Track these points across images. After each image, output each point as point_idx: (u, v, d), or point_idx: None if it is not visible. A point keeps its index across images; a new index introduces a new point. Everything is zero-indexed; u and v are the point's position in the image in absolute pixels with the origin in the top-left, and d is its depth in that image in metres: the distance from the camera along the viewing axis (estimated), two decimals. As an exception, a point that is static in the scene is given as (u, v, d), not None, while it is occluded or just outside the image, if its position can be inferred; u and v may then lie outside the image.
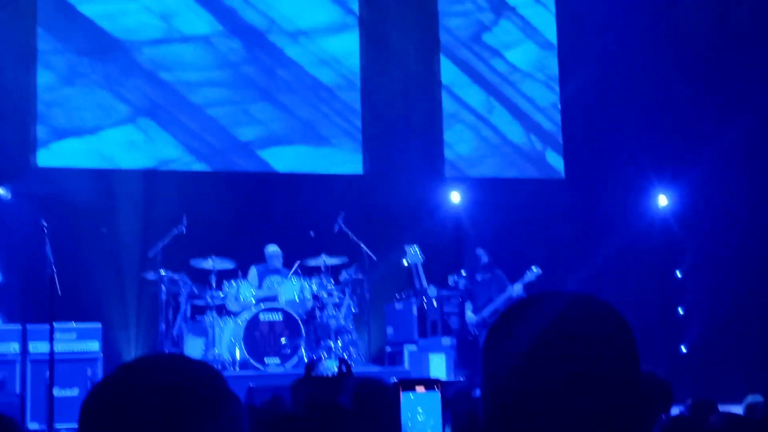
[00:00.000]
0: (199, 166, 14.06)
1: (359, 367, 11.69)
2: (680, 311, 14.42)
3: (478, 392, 1.56)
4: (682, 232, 14.42)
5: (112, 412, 1.54)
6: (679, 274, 14.62)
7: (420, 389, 2.48)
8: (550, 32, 15.79)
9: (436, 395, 2.52)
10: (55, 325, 10.00)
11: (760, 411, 6.50)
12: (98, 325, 11.33)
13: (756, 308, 13.10)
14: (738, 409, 6.59)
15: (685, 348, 14.00)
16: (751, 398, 6.50)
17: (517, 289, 12.13)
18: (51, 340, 9.89)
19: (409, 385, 2.52)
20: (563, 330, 1.43)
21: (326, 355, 11.63)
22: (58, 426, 9.65)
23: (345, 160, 14.68)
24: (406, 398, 2.47)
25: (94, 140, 13.66)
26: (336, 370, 7.25)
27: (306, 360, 11.31)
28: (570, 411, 1.40)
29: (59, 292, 9.94)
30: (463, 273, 12.95)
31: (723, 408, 6.54)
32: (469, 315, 12.35)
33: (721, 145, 13.97)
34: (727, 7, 14.94)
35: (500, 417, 1.45)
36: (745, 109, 13.87)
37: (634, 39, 14.99)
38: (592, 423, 1.40)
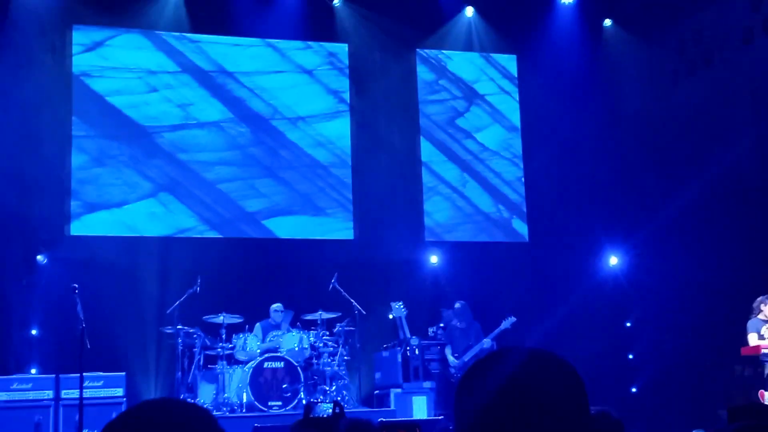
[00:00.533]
0: (211, 234, 13.99)
1: (351, 409, 11.55)
2: (630, 357, 14.37)
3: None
4: (630, 288, 14.41)
5: None
6: (628, 324, 14.59)
7: (402, 432, 2.36)
8: (515, 117, 15.84)
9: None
10: (85, 374, 9.90)
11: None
12: (122, 374, 11.18)
13: (697, 353, 13.01)
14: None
15: (636, 389, 13.91)
16: (694, 433, 6.39)
17: (489, 340, 12.14)
18: (81, 387, 9.81)
19: (391, 428, 2.40)
20: (523, 381, 1.47)
21: (322, 398, 11.50)
22: (85, 463, 9.50)
23: (338, 228, 14.62)
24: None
25: (120, 212, 13.59)
26: (331, 411, 7.12)
27: (304, 402, 11.19)
28: None
29: (88, 346, 9.88)
30: (441, 325, 12.90)
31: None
32: (451, 359, 12.30)
33: (662, 212, 14.01)
34: (664, 97, 15.04)
35: None
36: (681, 181, 13.92)
37: (587, 122, 15.09)
38: None
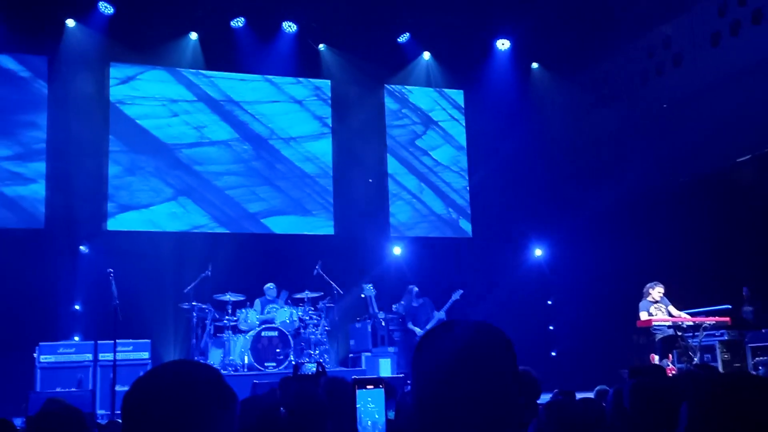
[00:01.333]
0: (220, 230, 13.92)
1: (330, 368, 11.55)
2: (551, 328, 14.46)
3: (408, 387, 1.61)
4: (551, 274, 14.52)
5: (144, 397, 1.61)
6: (549, 302, 14.68)
7: (369, 387, 2.39)
8: (462, 139, 15.90)
9: (381, 391, 2.42)
10: (117, 341, 9.87)
11: (605, 396, 6.42)
12: (148, 341, 11.14)
13: (603, 325, 13.11)
14: (590, 395, 6.50)
15: (555, 353, 14.00)
16: (599, 387, 6.42)
17: (443, 312, 12.17)
18: (114, 351, 9.79)
19: (362, 383, 2.42)
20: (467, 347, 1.48)
21: (308, 360, 11.50)
22: (118, 412, 9.44)
23: (321, 225, 14.61)
24: (360, 393, 2.38)
25: (147, 212, 13.52)
26: (314, 370, 7.13)
27: (294, 363, 11.18)
28: (472, 398, 1.43)
29: (120, 318, 9.80)
30: (403, 302, 12.90)
31: (580, 395, 6.45)
32: (417, 330, 12.20)
33: (577, 215, 14.11)
34: (579, 123, 15.15)
35: (423, 403, 1.48)
36: (592, 191, 14.03)
37: (519, 143, 15.15)
38: (488, 405, 1.44)
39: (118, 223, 13.33)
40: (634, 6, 13.94)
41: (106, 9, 13.04)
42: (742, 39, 12.31)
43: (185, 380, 1.63)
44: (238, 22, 13.80)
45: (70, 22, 13.11)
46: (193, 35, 13.79)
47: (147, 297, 11.96)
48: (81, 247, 12.40)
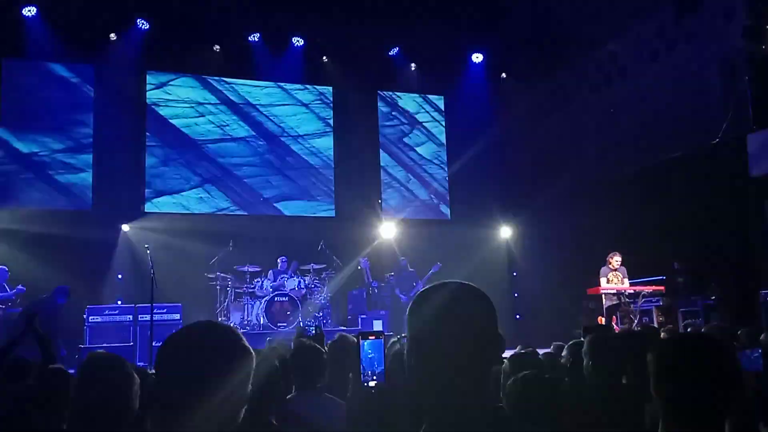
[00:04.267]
0: (240, 212, 13.88)
1: (332, 328, 11.59)
2: (516, 295, 14.51)
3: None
4: (517, 249, 14.53)
5: (175, 350, 1.62)
6: (515, 274, 14.72)
7: (372, 338, 2.40)
8: (442, 137, 15.88)
9: (381, 341, 2.43)
10: (154, 305, 9.86)
11: (560, 349, 6.48)
12: (179, 305, 11.12)
13: (559, 293, 13.15)
14: (548, 349, 6.54)
15: (519, 316, 14.05)
16: (555, 343, 6.46)
17: (422, 283, 12.17)
18: (151, 313, 9.80)
19: (365, 335, 2.44)
20: (455, 303, 1.48)
21: (313, 321, 11.57)
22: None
23: (325, 209, 14.59)
24: (363, 343, 2.39)
25: (179, 197, 13.47)
26: (314, 331, 7.15)
27: (301, 325, 11.22)
28: (459, 347, 1.42)
29: (157, 285, 9.79)
30: (392, 273, 12.93)
31: (540, 350, 6.50)
32: (402, 296, 12.22)
33: (538, 200, 14.12)
34: (540, 125, 15.15)
35: (416, 354, 1.47)
36: (551, 180, 14.03)
37: (489, 141, 15.15)
38: (471, 354, 1.43)
39: (154, 206, 13.27)
40: (586, 26, 13.93)
41: (143, 25, 12.96)
42: (677, 55, 12.32)
43: (209, 336, 1.64)
44: (254, 37, 13.72)
45: (113, 36, 13.01)
46: (217, 48, 13.68)
47: (178, 268, 11.92)
48: (123, 226, 12.34)
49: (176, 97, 13.80)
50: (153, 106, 13.62)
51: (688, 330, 8.23)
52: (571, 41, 14.30)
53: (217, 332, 1.67)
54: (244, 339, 1.69)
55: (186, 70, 13.77)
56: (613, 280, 10.03)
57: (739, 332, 4.72)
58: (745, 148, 9.81)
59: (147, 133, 13.48)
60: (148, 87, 13.60)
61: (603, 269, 10.18)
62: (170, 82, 13.82)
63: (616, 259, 10.12)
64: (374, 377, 2.33)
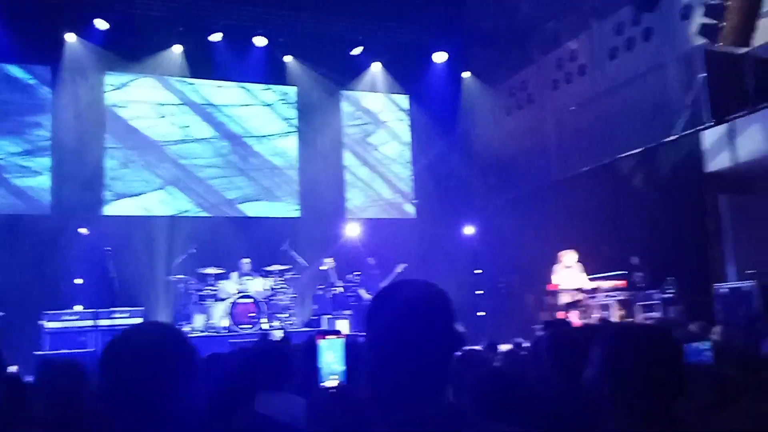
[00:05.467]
0: (203, 214, 13.71)
1: (297, 329, 11.53)
2: (479, 292, 14.56)
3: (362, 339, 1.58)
4: (478, 247, 14.61)
5: (119, 353, 1.61)
6: (478, 271, 14.79)
7: (331, 337, 2.38)
8: (406, 136, 15.92)
9: (341, 340, 2.41)
10: (114, 309, 9.69)
11: (520, 345, 6.54)
12: (142, 308, 10.92)
13: (520, 290, 13.29)
14: (509, 346, 6.60)
15: (483, 313, 14.09)
16: (514, 339, 6.53)
17: (388, 281, 12.16)
18: (111, 318, 9.60)
19: (323, 335, 2.42)
20: (413, 302, 1.47)
21: (278, 324, 11.50)
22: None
23: (290, 209, 14.51)
24: (322, 342, 2.37)
25: (139, 199, 13.27)
26: (280, 336, 7.10)
27: (267, 327, 11.16)
28: (417, 345, 1.42)
29: (117, 290, 9.62)
30: (358, 273, 12.89)
31: (501, 345, 6.55)
32: (366, 296, 12.21)
33: (498, 199, 14.27)
34: (500, 124, 15.28)
35: (375, 351, 1.47)
36: (511, 179, 14.18)
37: (452, 140, 15.25)
38: (429, 351, 1.43)
39: (113, 209, 13.04)
40: (547, 25, 14.09)
41: (101, 25, 12.71)
42: (634, 53, 12.54)
43: (151, 338, 1.63)
44: (216, 37, 13.55)
45: (71, 37, 12.76)
46: (178, 48, 13.50)
47: (140, 271, 11.75)
48: (81, 230, 12.07)
49: (136, 99, 13.59)
50: (112, 108, 13.39)
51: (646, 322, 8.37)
52: (532, 40, 14.46)
53: (159, 333, 1.66)
54: (186, 337, 1.68)
55: (146, 71, 13.55)
56: (567, 277, 10.16)
57: (690, 326, 4.82)
58: (701, 144, 10.03)
59: (106, 135, 13.24)
60: (107, 88, 13.37)
61: (556, 267, 10.33)
62: (130, 83, 13.60)
63: (567, 257, 10.24)
64: (333, 377, 2.32)
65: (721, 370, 2.48)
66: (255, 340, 7.21)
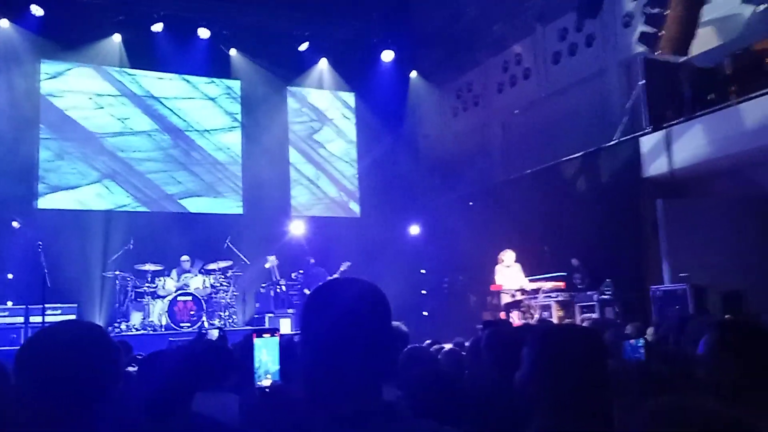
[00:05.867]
0: (141, 209, 13.38)
1: (238, 328, 11.38)
2: (423, 292, 14.64)
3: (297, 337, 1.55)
4: (423, 247, 14.68)
5: (32, 354, 1.55)
6: (423, 271, 14.87)
7: (266, 336, 2.33)
8: (352, 134, 15.89)
9: (276, 339, 2.37)
10: (46, 306, 9.39)
11: (461, 344, 6.58)
12: (75, 305, 10.66)
13: (463, 289, 13.41)
14: (449, 345, 6.64)
15: (426, 312, 14.19)
16: (456, 339, 6.56)
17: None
18: (43, 314, 9.31)
19: (259, 333, 2.37)
20: (349, 300, 1.43)
21: (219, 322, 11.34)
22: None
23: (232, 206, 14.29)
24: (257, 341, 2.33)
25: (75, 193, 12.86)
26: (217, 335, 6.98)
27: (206, 326, 10.97)
28: (352, 344, 1.40)
29: (49, 285, 9.33)
30: (301, 271, 12.82)
31: (446, 344, 6.59)
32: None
33: (444, 199, 14.36)
34: (447, 124, 15.38)
35: (308, 350, 1.44)
36: (456, 180, 14.30)
37: (399, 139, 15.29)
38: (362, 349, 1.40)
39: (48, 202, 12.62)
40: (493, 28, 14.27)
41: (37, 11, 12.28)
42: (577, 58, 12.82)
43: (70, 337, 1.58)
44: (157, 27, 13.23)
45: (4, 22, 12.31)
46: (117, 37, 13.15)
47: (75, 267, 11.42)
48: (13, 223, 11.62)
49: (73, 88, 13.18)
50: (48, 97, 12.95)
51: (584, 323, 8.57)
52: (479, 42, 14.61)
53: (79, 331, 1.61)
54: (108, 335, 1.65)
55: (84, 60, 13.15)
56: (508, 277, 10.27)
57: (627, 327, 4.94)
58: (640, 150, 10.31)
59: (41, 126, 12.80)
60: (42, 77, 12.92)
61: (497, 267, 10.44)
62: (66, 72, 13.18)
63: (507, 257, 10.35)
64: (268, 376, 2.28)
65: (651, 367, 2.56)
66: (191, 339, 7.05)
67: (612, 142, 10.88)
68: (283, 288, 12.44)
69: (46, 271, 9.31)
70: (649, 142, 10.21)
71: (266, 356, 2.39)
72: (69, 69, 13.14)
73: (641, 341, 2.69)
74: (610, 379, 1.65)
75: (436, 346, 6.60)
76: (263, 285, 12.73)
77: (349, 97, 15.89)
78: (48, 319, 9.47)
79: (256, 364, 2.24)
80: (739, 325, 2.05)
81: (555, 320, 9.52)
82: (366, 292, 1.49)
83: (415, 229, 14.93)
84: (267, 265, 12.63)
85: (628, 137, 10.65)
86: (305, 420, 1.64)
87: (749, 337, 1.88)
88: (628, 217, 10.37)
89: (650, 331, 4.80)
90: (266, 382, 2.22)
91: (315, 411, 1.46)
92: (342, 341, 1.41)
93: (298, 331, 1.58)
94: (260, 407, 2.41)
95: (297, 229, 13.99)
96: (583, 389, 1.68)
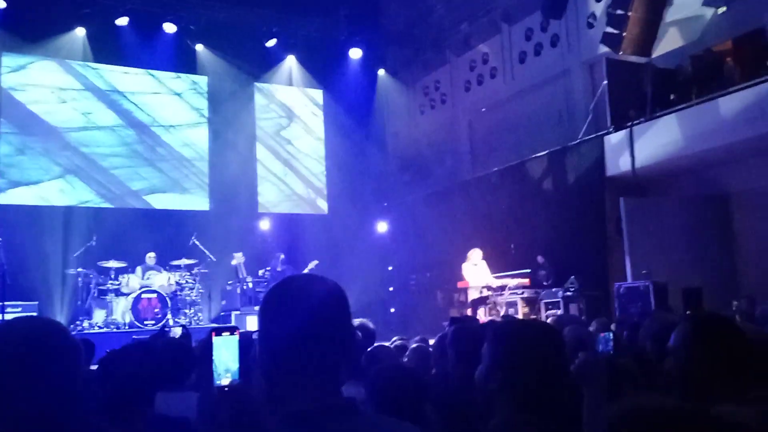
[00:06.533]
0: (105, 205, 13.12)
1: (204, 325, 11.23)
2: (390, 289, 14.66)
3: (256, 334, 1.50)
4: (391, 244, 14.69)
5: None
6: (390, 268, 14.87)
7: (225, 334, 2.27)
8: (320, 131, 15.80)
9: (235, 337, 2.31)
10: (6, 303, 9.12)
11: (426, 341, 6.59)
12: (36, 303, 10.37)
13: (429, 286, 13.45)
14: (417, 343, 6.63)
15: (393, 309, 14.21)
16: (420, 336, 6.56)
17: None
18: (2, 312, 9.04)
19: (218, 331, 2.31)
20: (306, 298, 1.40)
21: (183, 319, 11.17)
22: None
23: (198, 202, 14.09)
24: (217, 340, 2.26)
25: (37, 188, 12.55)
26: (180, 333, 6.85)
27: (171, 323, 10.80)
28: (310, 342, 1.36)
29: (9, 282, 9.08)
30: (268, 268, 12.69)
31: (412, 341, 6.58)
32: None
33: (410, 196, 14.39)
34: (414, 122, 15.39)
35: (266, 347, 1.42)
36: (423, 178, 14.33)
37: (366, 137, 15.27)
38: (321, 346, 1.36)
39: (8, 197, 12.29)
40: (460, 27, 14.30)
41: (0, 3, 11.94)
42: (542, 58, 12.92)
43: (26, 333, 1.51)
44: (122, 21, 12.99)
45: (-38, 13, 11.93)
46: (81, 31, 12.87)
47: (36, 264, 11.13)
48: (-28, 219, 11.32)
49: (36, 82, 12.86)
50: (9, 91, 12.62)
51: (548, 319, 8.64)
52: (446, 41, 14.65)
53: (38, 328, 1.54)
54: (68, 332, 1.58)
55: (46, 53, 12.84)
56: (475, 274, 10.31)
57: (591, 323, 4.98)
58: (604, 149, 10.43)
59: (2, 120, 12.47)
60: (3, 70, 12.59)
61: (464, 265, 10.46)
62: (29, 66, 12.87)
63: (475, 255, 10.38)
64: (228, 374, 2.23)
65: (618, 361, 2.58)
66: (149, 336, 6.93)
67: (576, 141, 10.99)
68: (250, 285, 12.30)
69: (5, 267, 9.05)
70: (612, 141, 10.33)
71: (226, 354, 2.34)
72: (31, 62, 12.84)
73: (610, 335, 2.72)
74: (572, 374, 1.64)
75: (399, 342, 6.60)
76: (230, 282, 12.58)
77: (317, 94, 15.79)
78: (8, 317, 9.20)
79: (216, 363, 2.19)
80: (710, 317, 2.07)
81: (520, 317, 9.58)
82: (324, 288, 1.46)
83: (382, 227, 14.93)
84: (233, 262, 12.49)
85: (592, 136, 10.77)
86: (261, 418, 1.60)
87: (720, 330, 1.90)
88: (592, 215, 10.49)
89: (613, 327, 4.84)
90: (225, 381, 2.17)
91: (271, 409, 1.43)
92: (298, 338, 1.38)
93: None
94: (218, 406, 2.37)
95: (264, 226, 13.87)
96: (541, 384, 1.68)
